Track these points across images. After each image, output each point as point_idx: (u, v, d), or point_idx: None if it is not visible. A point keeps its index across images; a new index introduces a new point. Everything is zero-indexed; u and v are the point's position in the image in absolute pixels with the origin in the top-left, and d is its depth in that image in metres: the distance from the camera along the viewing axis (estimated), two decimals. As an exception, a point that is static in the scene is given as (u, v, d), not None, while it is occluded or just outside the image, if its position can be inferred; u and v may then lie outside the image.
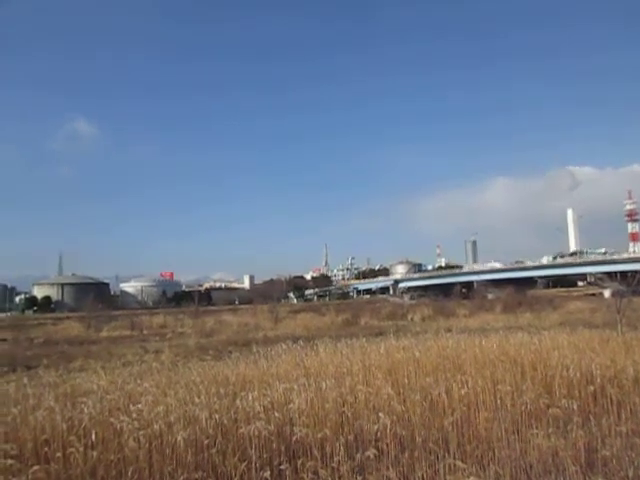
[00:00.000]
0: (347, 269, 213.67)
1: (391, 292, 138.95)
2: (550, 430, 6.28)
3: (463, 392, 7.19)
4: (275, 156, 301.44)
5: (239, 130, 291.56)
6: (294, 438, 5.91)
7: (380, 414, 6.10)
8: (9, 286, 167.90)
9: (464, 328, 24.37)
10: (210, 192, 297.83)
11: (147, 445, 5.71)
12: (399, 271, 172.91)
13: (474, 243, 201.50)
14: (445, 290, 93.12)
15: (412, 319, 44.69)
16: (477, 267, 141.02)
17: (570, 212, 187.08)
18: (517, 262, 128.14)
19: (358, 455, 5.39)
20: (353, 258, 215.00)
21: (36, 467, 5.28)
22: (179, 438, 5.62)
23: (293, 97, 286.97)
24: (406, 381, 8.17)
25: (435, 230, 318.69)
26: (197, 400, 7.01)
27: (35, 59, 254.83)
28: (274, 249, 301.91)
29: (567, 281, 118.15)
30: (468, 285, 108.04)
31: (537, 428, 6.35)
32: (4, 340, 33.77)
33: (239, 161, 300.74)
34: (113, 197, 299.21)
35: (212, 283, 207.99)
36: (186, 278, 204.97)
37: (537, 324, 25.88)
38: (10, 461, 5.40)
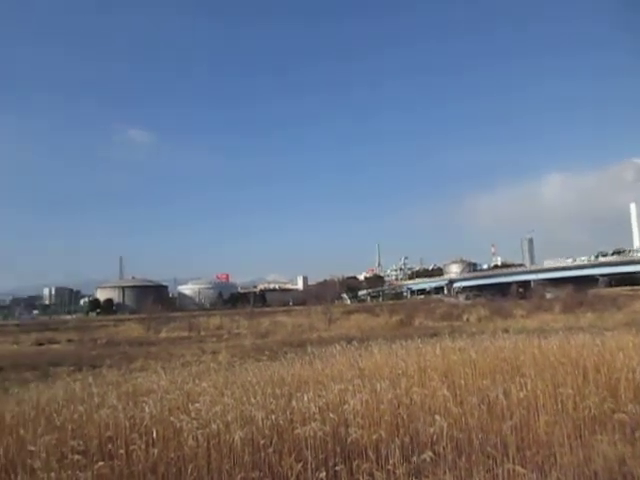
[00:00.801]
0: (400, 269, 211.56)
1: (445, 292, 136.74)
2: (616, 437, 5.99)
3: (522, 395, 6.97)
4: (326, 160, 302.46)
5: (291, 136, 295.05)
6: (349, 439, 5.90)
7: (436, 416, 5.99)
8: (74, 289, 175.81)
9: (522, 329, 23.66)
10: (263, 196, 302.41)
11: (205, 444, 5.83)
12: (453, 271, 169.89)
13: (530, 241, 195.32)
14: (501, 290, 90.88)
15: (467, 320, 43.75)
16: (534, 266, 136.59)
17: (633, 206, 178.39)
18: (575, 260, 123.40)
19: (414, 458, 5.32)
20: (406, 258, 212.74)
21: (101, 463, 5.49)
22: (236, 437, 5.71)
23: (352, 97, 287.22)
24: (462, 383, 8.00)
25: (490, 228, 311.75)
26: (253, 400, 7.10)
27: (97, 71, 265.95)
28: (327, 250, 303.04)
29: (632, 279, 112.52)
30: (525, 284, 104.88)
31: (602, 434, 6.07)
32: (70, 341, 35.36)
33: (289, 166, 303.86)
34: (170, 202, 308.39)
35: (266, 284, 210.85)
36: (241, 280, 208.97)
37: (600, 324, 24.80)
38: (77, 456, 5.63)
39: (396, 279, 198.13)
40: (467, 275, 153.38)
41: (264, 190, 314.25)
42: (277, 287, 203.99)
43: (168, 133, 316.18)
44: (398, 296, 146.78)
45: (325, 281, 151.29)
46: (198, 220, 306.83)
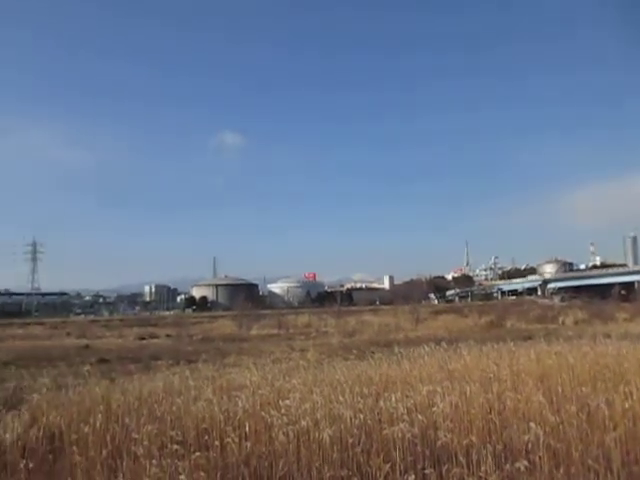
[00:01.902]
0: (490, 269, 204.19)
1: (539, 293, 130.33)
2: None
3: (627, 405, 6.50)
4: (410, 157, 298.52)
5: (369, 134, 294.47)
6: (438, 443, 5.79)
7: (531, 424, 5.73)
8: (172, 287, 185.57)
9: (625, 334, 22.02)
10: (347, 194, 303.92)
11: (295, 440, 5.95)
12: (547, 271, 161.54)
13: (634, 240, 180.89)
14: (601, 291, 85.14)
15: (563, 322, 41.46)
16: (638, 266, 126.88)
17: None
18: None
19: (507, 466, 5.13)
20: (496, 257, 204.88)
21: (197, 453, 5.77)
22: (325, 435, 5.78)
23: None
24: (559, 390, 7.59)
25: (588, 226, 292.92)
26: (342, 399, 7.15)
27: (187, 77, 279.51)
28: (414, 249, 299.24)
29: None
30: (628, 286, 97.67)
31: None
32: (169, 336, 37.34)
33: (372, 164, 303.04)
34: (259, 203, 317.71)
35: (353, 284, 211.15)
36: (328, 279, 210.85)
37: None
38: (176, 446, 5.96)
39: (486, 279, 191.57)
40: (562, 275, 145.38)
41: (349, 189, 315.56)
42: (364, 286, 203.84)
43: (258, 136, 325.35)
44: (488, 297, 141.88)
45: (412, 280, 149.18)
46: (286, 220, 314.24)
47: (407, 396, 7.26)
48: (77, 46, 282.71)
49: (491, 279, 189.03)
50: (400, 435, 5.74)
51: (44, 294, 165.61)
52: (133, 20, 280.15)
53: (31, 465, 6.00)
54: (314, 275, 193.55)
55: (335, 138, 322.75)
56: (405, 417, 6.28)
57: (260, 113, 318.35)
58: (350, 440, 5.86)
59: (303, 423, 6.14)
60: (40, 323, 71.46)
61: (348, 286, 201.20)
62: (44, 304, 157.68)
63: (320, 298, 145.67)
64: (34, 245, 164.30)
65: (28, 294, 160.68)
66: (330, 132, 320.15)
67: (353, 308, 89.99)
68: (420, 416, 6.26)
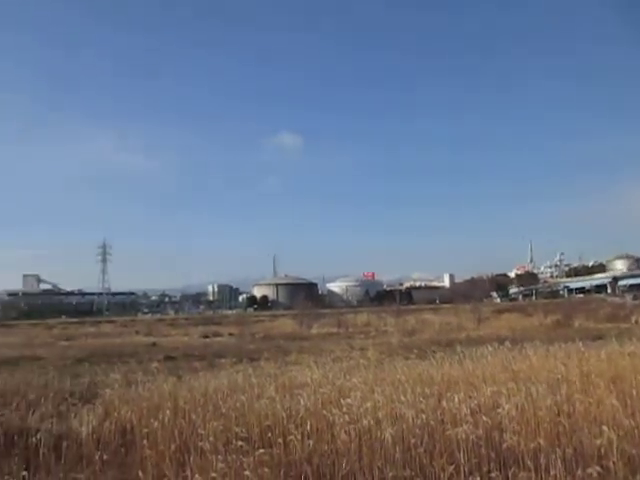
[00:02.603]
0: (555, 266, 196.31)
1: (609, 291, 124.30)
2: None
3: None
4: (472, 155, 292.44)
5: (423, 133, 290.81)
6: (504, 445, 5.65)
7: (603, 427, 5.50)
8: (234, 287, 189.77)
9: None
10: (407, 193, 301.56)
11: (357, 439, 5.96)
12: (618, 267, 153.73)
13: None
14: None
15: (637, 322, 39.35)
16: None
17: None
18: None
19: (579, 471, 4.93)
20: (562, 254, 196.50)
21: (261, 450, 5.87)
22: (387, 435, 5.76)
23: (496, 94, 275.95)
24: (634, 393, 7.23)
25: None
26: (403, 398, 7.09)
27: (244, 79, 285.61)
28: (474, 247, 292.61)
29: None
30: None
31: None
32: (232, 334, 38.19)
33: (431, 162, 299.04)
34: (317, 202, 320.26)
35: (412, 282, 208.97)
36: (387, 278, 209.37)
37: None
38: (240, 442, 6.09)
39: (551, 276, 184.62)
40: (635, 272, 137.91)
41: (407, 186, 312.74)
42: (423, 285, 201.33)
43: (316, 136, 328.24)
44: (554, 295, 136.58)
45: (473, 279, 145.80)
46: (345, 220, 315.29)
47: (470, 397, 7.13)
48: (136, 50, 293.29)
49: (557, 276, 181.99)
50: (464, 436, 5.64)
51: (114, 294, 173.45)
52: (192, 22, 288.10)
53: (105, 457, 6.32)
54: (373, 274, 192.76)
55: (395, 137, 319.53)
56: (469, 418, 6.17)
57: (319, 113, 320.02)
58: (412, 440, 5.81)
59: (365, 422, 6.14)
60: (110, 321, 74.87)
61: (407, 285, 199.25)
62: (114, 303, 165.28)
63: (379, 297, 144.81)
64: (104, 247, 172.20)
65: (99, 294, 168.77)
66: (389, 131, 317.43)
67: (412, 307, 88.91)
68: (484, 417, 6.13)
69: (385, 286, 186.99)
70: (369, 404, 6.80)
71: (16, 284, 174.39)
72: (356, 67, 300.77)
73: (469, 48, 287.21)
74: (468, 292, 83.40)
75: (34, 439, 6.66)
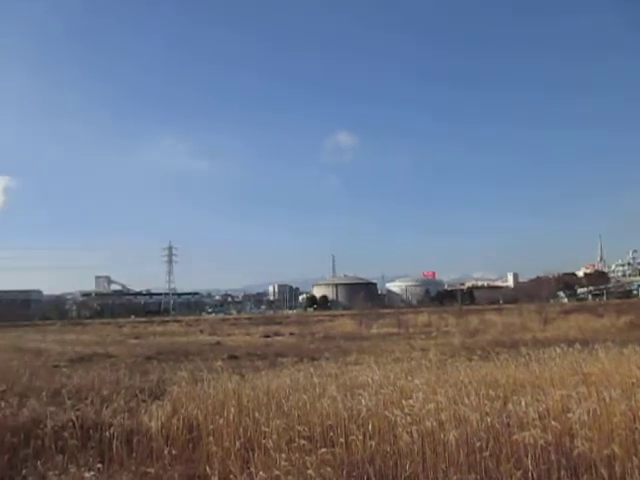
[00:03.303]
0: (628, 264, 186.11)
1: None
2: None
3: None
4: (536, 151, 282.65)
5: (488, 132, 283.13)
6: (575, 452, 5.43)
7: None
8: (294, 287, 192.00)
9: None
10: (467, 193, 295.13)
11: (420, 440, 5.88)
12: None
13: None
14: None
15: None
16: None
17: None
18: None
19: (658, 481, 4.69)
20: (635, 251, 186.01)
21: (324, 449, 5.90)
22: (451, 437, 5.67)
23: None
24: None
25: None
26: (467, 401, 6.94)
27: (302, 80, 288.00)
28: (540, 245, 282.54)
29: None
30: None
31: None
32: (292, 334, 38.59)
33: (487, 163, 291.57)
34: (375, 202, 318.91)
35: (473, 282, 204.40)
36: (447, 277, 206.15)
37: None
38: (303, 441, 6.15)
39: (623, 275, 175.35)
40: None
41: (464, 186, 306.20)
42: (485, 284, 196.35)
43: (373, 135, 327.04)
44: (626, 294, 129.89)
45: (538, 278, 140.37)
46: (402, 219, 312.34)
47: (538, 400, 6.91)
48: (203, 55, 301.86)
49: (629, 275, 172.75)
50: (532, 441, 5.46)
51: (179, 294, 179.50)
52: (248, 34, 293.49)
53: (173, 452, 6.54)
54: (433, 274, 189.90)
55: (449, 137, 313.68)
56: (537, 423, 5.97)
57: (375, 112, 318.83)
58: (477, 444, 5.68)
59: (427, 424, 6.06)
60: (176, 321, 77.48)
61: (469, 284, 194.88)
62: (180, 303, 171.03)
63: (439, 297, 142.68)
64: (170, 249, 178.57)
65: (165, 294, 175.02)
66: (446, 132, 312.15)
67: (474, 307, 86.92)
68: (553, 422, 5.91)
69: (446, 286, 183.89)
70: (431, 405, 6.70)
71: (89, 285, 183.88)
72: (420, 65, 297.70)
73: (542, 51, 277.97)
74: (533, 292, 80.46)
75: (108, 433, 6.97)
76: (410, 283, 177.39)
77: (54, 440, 7.01)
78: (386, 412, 6.66)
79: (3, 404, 8.24)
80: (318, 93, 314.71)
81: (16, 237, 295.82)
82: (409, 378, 9.01)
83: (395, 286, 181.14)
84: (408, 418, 6.31)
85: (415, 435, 5.93)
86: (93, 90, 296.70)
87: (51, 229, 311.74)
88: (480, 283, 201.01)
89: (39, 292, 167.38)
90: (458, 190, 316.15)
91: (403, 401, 7.05)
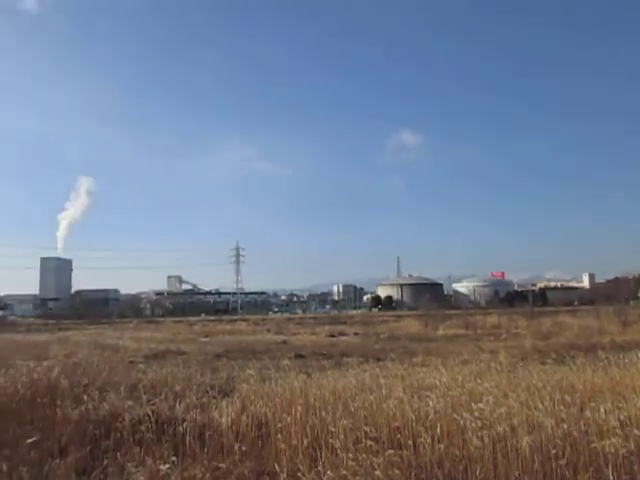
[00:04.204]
0: None
1: None
2: None
3: None
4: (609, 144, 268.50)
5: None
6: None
7: None
8: (358, 287, 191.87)
9: None
10: (536, 191, 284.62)
11: (491, 445, 5.72)
12: None
13: None
14: None
15: None
16: None
17: None
18: None
19: None
20: None
21: (391, 451, 5.86)
22: (524, 443, 5.47)
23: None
24: None
25: None
26: (540, 406, 6.69)
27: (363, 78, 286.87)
28: (618, 244, 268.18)
29: None
30: None
31: None
32: (357, 334, 38.55)
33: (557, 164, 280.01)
34: (441, 201, 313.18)
35: (545, 282, 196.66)
36: (517, 277, 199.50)
37: None
38: (370, 442, 6.13)
39: None
40: None
41: (537, 183, 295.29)
42: (558, 285, 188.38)
43: (437, 134, 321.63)
44: None
45: (617, 279, 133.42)
46: (467, 217, 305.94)
47: (619, 408, 6.56)
48: (265, 58, 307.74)
49: None
50: (613, 450, 5.19)
51: (247, 293, 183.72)
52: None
53: (243, 448, 6.69)
54: (502, 274, 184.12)
55: (515, 133, 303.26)
56: (618, 431, 5.67)
57: (439, 110, 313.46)
58: (553, 451, 5.46)
59: (499, 428, 5.89)
60: (244, 320, 79.15)
61: (540, 285, 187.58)
62: (247, 302, 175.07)
63: (509, 298, 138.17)
64: (237, 249, 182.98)
65: (233, 293, 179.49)
66: (513, 128, 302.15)
67: (547, 309, 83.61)
68: (636, 431, 5.59)
69: (516, 286, 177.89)
70: (502, 410, 6.51)
71: (161, 284, 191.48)
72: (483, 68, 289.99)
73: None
74: (611, 293, 76.66)
75: (181, 428, 7.23)
76: (478, 283, 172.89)
77: (132, 433, 7.34)
78: (455, 415, 6.52)
79: (86, 397, 8.70)
80: (382, 92, 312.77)
81: (96, 238, 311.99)
82: (478, 381, 8.80)
83: (462, 287, 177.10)
84: (478, 422, 6.15)
85: (486, 440, 5.77)
86: (168, 98, 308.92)
87: (126, 231, 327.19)
88: (553, 284, 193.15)
89: (116, 291, 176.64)
90: (533, 188, 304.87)
91: (472, 404, 6.88)
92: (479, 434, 5.88)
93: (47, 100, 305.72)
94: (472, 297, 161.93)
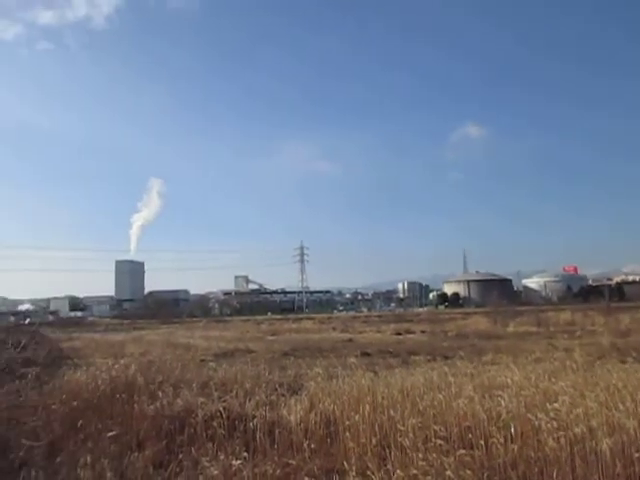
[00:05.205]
0: None
1: None
2: None
3: None
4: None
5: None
6: None
7: None
8: (423, 284, 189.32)
9: None
10: (612, 178, 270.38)
11: (568, 447, 5.50)
12: None
13: None
14: None
15: None
16: None
17: None
18: None
19: None
20: None
21: (462, 451, 5.76)
22: (604, 446, 5.23)
23: None
24: None
25: None
26: (621, 407, 6.36)
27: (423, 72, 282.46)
28: None
29: None
30: None
31: None
32: (423, 332, 38.04)
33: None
34: (506, 195, 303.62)
35: (623, 276, 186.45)
36: (591, 272, 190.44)
37: None
38: (439, 441, 6.05)
39: None
40: None
41: (613, 171, 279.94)
42: (637, 279, 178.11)
43: (501, 127, 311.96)
44: None
45: None
46: (535, 211, 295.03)
47: None
48: (323, 57, 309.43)
49: None
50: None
51: (312, 292, 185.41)
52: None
53: (312, 446, 6.76)
54: (575, 268, 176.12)
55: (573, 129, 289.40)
56: None
57: (503, 103, 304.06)
58: (636, 455, 5.19)
59: (576, 430, 5.65)
60: (310, 318, 79.81)
61: (617, 279, 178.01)
62: (312, 301, 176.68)
63: (583, 293, 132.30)
64: (302, 249, 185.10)
65: (299, 292, 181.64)
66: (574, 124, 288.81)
67: (625, 304, 79.31)
68: None
69: (590, 281, 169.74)
70: (580, 410, 6.25)
71: (229, 284, 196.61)
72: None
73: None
74: (699, 287, 71.72)
75: (251, 424, 7.40)
76: (549, 279, 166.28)
77: (204, 429, 7.59)
78: (529, 415, 6.33)
79: (160, 394, 9.06)
80: (443, 85, 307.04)
81: (165, 239, 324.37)
82: (553, 380, 8.49)
83: (533, 282, 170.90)
84: (554, 423, 5.93)
85: (562, 441, 5.56)
86: (232, 99, 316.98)
87: (195, 232, 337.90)
88: (631, 278, 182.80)
89: (186, 292, 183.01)
90: (611, 173, 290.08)
91: (547, 404, 6.66)
92: (555, 435, 5.67)
93: (122, 106, 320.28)
94: (543, 293, 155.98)
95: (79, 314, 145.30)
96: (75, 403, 9.07)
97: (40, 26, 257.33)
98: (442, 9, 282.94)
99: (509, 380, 8.74)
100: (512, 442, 5.86)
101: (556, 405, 6.52)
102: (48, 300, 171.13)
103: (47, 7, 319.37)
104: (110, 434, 7.41)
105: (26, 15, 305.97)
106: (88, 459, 6.39)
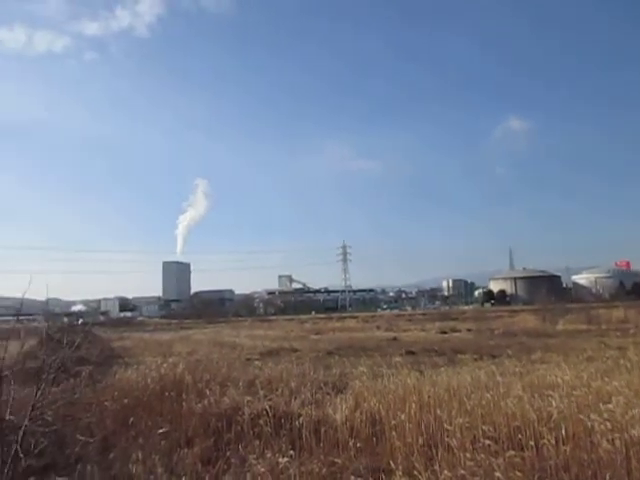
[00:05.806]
0: None
1: None
2: None
3: None
4: None
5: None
6: None
7: None
8: (469, 281, 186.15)
9: None
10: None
11: (624, 450, 5.32)
12: None
13: None
14: None
15: None
16: None
17: None
18: None
19: None
20: None
21: (512, 452, 5.65)
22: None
23: None
24: None
25: None
26: (681, 408, 6.12)
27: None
28: None
29: None
30: None
31: None
32: (469, 330, 37.41)
33: None
34: (554, 189, 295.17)
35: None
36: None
37: None
38: (488, 441, 5.95)
39: None
40: None
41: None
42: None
43: (545, 120, 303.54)
44: None
45: None
46: (583, 204, 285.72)
47: None
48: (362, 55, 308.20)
49: None
50: None
51: (355, 291, 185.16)
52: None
53: (358, 444, 6.76)
54: (627, 263, 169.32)
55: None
56: None
57: (545, 96, 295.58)
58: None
59: (632, 432, 5.45)
60: (353, 317, 79.71)
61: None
62: (355, 299, 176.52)
63: (637, 290, 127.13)
64: (344, 248, 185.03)
65: (342, 291, 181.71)
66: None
67: (685, 300, 75.83)
68: None
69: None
70: (636, 411, 6.03)
71: (273, 284, 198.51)
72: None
73: None
74: None
75: (297, 423, 7.46)
76: (600, 275, 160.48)
77: (251, 426, 7.70)
78: (581, 416, 6.16)
79: (208, 392, 9.25)
80: (486, 79, 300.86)
81: (210, 240, 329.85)
82: (606, 379, 8.25)
83: (582, 278, 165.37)
84: (608, 424, 5.75)
85: (617, 443, 5.38)
86: (273, 97, 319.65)
87: (239, 232, 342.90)
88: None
89: (231, 291, 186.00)
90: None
91: (600, 405, 6.47)
92: (609, 437, 5.50)
93: (165, 110, 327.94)
94: (594, 289, 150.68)
95: (129, 314, 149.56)
96: (126, 400, 9.35)
97: (87, 37, 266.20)
98: (482, 7, 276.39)
99: (559, 379, 8.53)
100: (564, 444, 5.72)
101: (610, 406, 6.32)
102: (99, 301, 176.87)
103: (92, 19, 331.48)
104: (160, 431, 7.62)
105: (73, 27, 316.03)
106: (139, 455, 6.58)
